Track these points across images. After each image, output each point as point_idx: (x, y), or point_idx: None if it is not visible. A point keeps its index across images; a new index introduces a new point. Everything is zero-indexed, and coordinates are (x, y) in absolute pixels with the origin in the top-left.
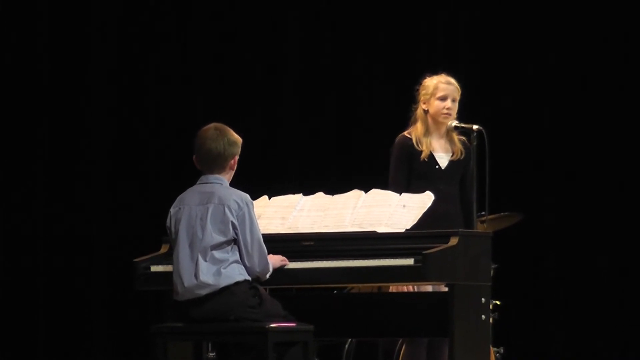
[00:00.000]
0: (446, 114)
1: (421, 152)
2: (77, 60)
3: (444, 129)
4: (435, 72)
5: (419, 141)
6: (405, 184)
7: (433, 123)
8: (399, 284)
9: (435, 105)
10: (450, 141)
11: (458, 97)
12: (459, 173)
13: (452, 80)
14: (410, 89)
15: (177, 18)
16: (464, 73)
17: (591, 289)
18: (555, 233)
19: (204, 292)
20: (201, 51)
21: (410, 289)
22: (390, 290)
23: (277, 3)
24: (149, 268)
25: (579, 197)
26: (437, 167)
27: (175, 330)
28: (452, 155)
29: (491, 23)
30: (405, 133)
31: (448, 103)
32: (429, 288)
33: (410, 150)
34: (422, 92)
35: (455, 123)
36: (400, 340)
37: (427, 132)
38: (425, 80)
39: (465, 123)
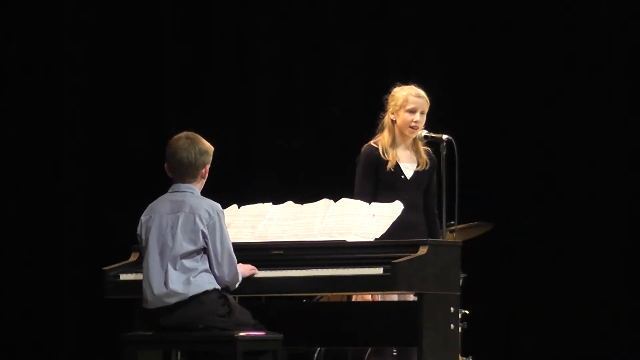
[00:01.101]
0: (414, 127)
1: (387, 162)
2: (49, 66)
3: (410, 140)
4: (405, 82)
5: (385, 151)
6: (372, 193)
7: (400, 134)
8: (367, 293)
9: (404, 117)
10: (416, 152)
11: (427, 110)
12: (424, 183)
13: (422, 93)
14: (379, 97)
15: (154, 29)
16: (434, 81)
17: (560, 298)
18: (524, 242)
19: (173, 300)
20: (174, 61)
21: (376, 297)
22: (354, 299)
23: (250, 13)
24: (119, 276)
25: (548, 206)
26: (402, 177)
27: (145, 339)
28: (417, 166)
29: (460, 32)
30: (372, 142)
31: (416, 116)
32: (394, 297)
33: (377, 160)
34: (392, 102)
35: (424, 133)
36: (369, 350)
37: (393, 143)
38: (395, 90)
39: (434, 133)
